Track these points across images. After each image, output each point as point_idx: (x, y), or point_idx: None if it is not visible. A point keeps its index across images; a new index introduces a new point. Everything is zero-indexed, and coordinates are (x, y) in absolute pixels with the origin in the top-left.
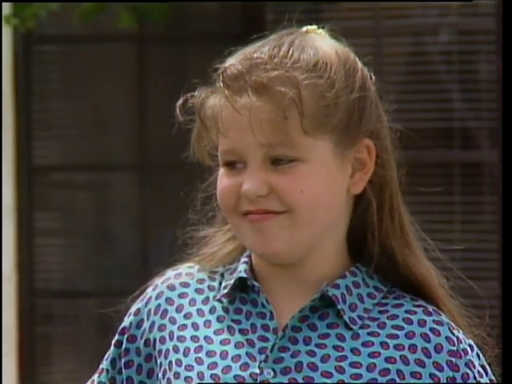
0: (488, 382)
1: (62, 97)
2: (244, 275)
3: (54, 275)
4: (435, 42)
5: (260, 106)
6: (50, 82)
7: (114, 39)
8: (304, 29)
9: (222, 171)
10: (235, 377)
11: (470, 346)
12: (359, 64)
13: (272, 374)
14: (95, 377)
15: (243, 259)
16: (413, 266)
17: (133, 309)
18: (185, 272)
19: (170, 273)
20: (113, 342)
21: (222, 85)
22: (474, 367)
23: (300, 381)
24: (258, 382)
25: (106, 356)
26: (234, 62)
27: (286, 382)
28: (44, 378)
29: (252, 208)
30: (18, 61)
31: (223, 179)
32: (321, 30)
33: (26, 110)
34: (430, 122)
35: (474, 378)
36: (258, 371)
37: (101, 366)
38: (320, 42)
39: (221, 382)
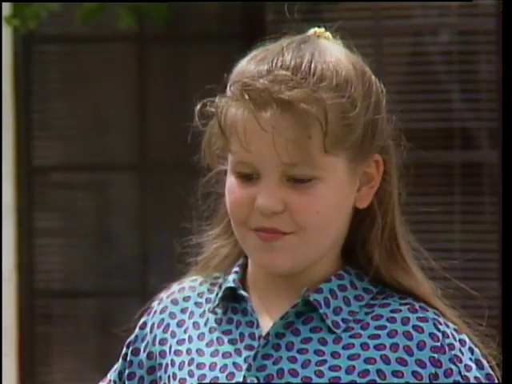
0: (478, 375)
1: (61, 97)
2: (232, 285)
3: (54, 275)
4: (435, 42)
5: (285, 124)
6: (50, 81)
7: (114, 39)
8: (312, 31)
9: (232, 180)
10: None
11: (461, 340)
12: (372, 76)
13: (255, 381)
14: None
15: (234, 269)
16: (400, 280)
17: (140, 322)
18: (188, 286)
19: (174, 287)
20: (121, 355)
21: (246, 97)
22: (461, 362)
23: None
24: None
25: (114, 367)
26: (256, 75)
27: None
28: (44, 378)
29: (264, 225)
30: (18, 61)
31: (235, 189)
32: (328, 34)
33: (26, 110)
34: (430, 122)
35: (459, 372)
36: (241, 380)
37: (108, 376)
38: (337, 53)
39: None
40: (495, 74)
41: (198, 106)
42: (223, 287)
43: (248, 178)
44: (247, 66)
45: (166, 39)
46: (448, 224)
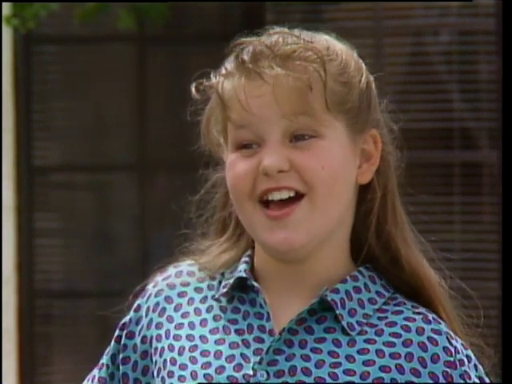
0: None
1: (62, 97)
2: (244, 275)
3: (54, 276)
4: (435, 42)
5: (286, 74)
6: (50, 82)
7: (114, 39)
8: None
9: (233, 157)
10: (228, 377)
11: (468, 356)
12: (360, 60)
13: (265, 376)
14: (96, 372)
15: (244, 259)
16: (414, 262)
17: (134, 305)
18: (186, 270)
19: (171, 270)
20: (114, 337)
21: (245, 57)
22: (469, 378)
23: None
24: (251, 383)
25: (106, 351)
26: (251, 42)
27: None
28: (44, 378)
29: (272, 185)
30: (18, 61)
31: (237, 163)
32: None
33: (26, 111)
34: (430, 122)
35: None
36: (251, 372)
37: (101, 361)
38: (323, 37)
39: (214, 382)
40: (495, 75)
41: (193, 87)
42: (227, 274)
43: (248, 148)
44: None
45: (166, 39)
46: (448, 224)
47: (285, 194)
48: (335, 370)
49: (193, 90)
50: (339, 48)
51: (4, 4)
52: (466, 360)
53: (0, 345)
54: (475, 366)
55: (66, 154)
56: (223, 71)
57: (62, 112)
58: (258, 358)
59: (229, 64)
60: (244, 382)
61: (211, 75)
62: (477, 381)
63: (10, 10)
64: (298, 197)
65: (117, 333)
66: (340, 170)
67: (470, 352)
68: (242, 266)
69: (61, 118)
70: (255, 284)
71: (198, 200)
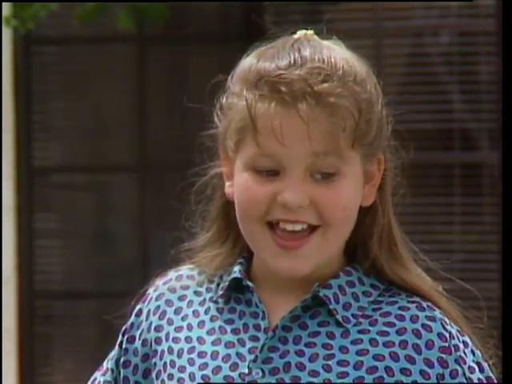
0: (481, 377)
1: (62, 97)
2: (238, 276)
3: (54, 276)
4: (435, 43)
5: (321, 116)
6: (50, 82)
7: (114, 39)
8: (302, 33)
9: (246, 177)
10: (225, 377)
11: (464, 342)
12: (371, 72)
13: (261, 374)
14: (99, 376)
15: (239, 260)
16: (405, 278)
17: (135, 309)
18: (186, 274)
19: (171, 274)
20: (117, 343)
21: (283, 89)
22: (465, 363)
23: (287, 381)
24: (246, 382)
25: (110, 356)
26: (282, 69)
27: (274, 382)
28: (44, 378)
29: (289, 218)
30: (18, 61)
31: (251, 186)
32: (315, 36)
33: (26, 111)
34: (430, 123)
35: (464, 374)
36: (246, 371)
37: (105, 366)
38: (343, 52)
39: (210, 382)
40: (495, 75)
41: (221, 100)
42: (225, 277)
43: (267, 174)
44: (261, 63)
45: (166, 39)
46: (448, 225)
47: (298, 227)
48: (329, 362)
49: (217, 108)
50: (362, 73)
51: (4, 4)
52: (461, 345)
53: (0, 345)
54: (472, 351)
55: (66, 154)
56: (256, 92)
57: (62, 112)
58: (253, 357)
59: (261, 85)
60: (240, 381)
61: (236, 87)
62: (473, 365)
63: (9, 11)
64: (310, 228)
65: (119, 338)
66: (355, 208)
67: (466, 338)
68: (237, 267)
69: (61, 118)
70: (249, 284)
71: (194, 195)
